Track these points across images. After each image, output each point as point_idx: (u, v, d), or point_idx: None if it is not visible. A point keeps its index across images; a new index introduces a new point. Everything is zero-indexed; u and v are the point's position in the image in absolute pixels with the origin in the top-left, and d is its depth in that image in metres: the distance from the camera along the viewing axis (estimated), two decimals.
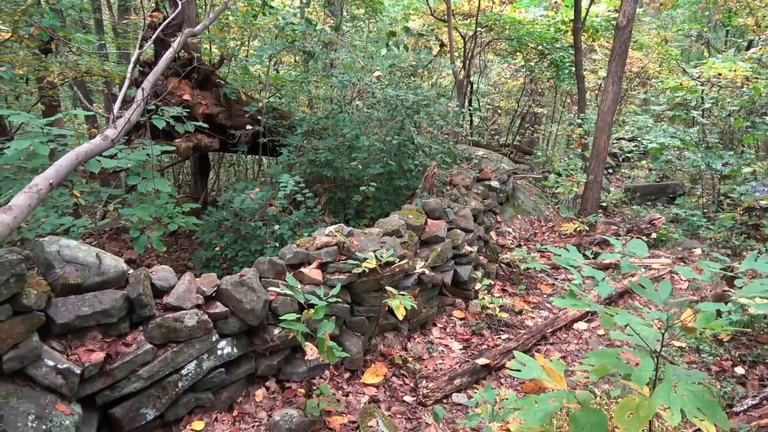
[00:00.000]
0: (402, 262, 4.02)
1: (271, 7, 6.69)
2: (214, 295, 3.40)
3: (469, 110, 8.17)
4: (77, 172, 4.86)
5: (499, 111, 14.88)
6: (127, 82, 3.87)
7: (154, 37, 4.31)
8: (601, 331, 4.65)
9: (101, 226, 4.94)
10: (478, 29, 11.55)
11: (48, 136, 4.15)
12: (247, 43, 8.28)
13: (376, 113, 5.58)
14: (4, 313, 2.56)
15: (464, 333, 4.62)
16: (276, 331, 3.54)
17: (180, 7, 4.83)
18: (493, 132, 14.57)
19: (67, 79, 8.23)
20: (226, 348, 3.34)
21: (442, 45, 12.54)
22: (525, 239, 6.62)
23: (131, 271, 3.19)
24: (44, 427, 2.50)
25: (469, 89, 12.06)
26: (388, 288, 3.72)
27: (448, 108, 5.72)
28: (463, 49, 11.96)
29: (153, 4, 7.49)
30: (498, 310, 4.71)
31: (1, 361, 2.55)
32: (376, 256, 3.92)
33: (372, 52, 6.17)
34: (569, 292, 2.58)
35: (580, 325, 4.77)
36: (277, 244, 5.38)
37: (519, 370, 2.47)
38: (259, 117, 6.51)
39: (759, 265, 2.31)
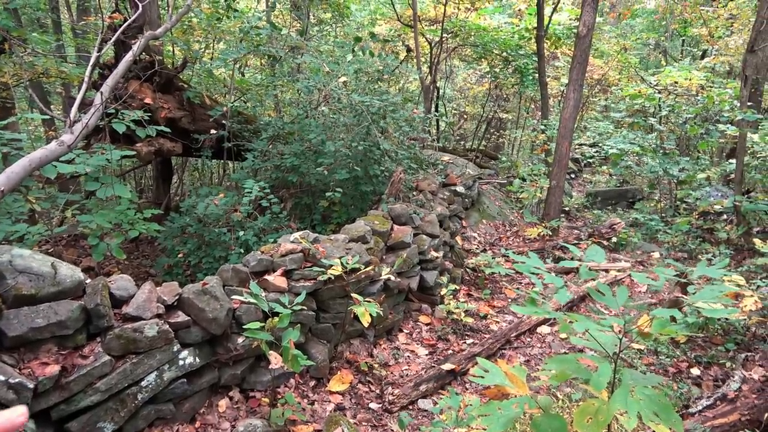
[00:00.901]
0: (368, 269, 4.02)
1: (236, 11, 6.62)
2: (175, 304, 3.33)
3: (435, 115, 8.23)
4: (33, 177, 4.70)
5: (465, 116, 15.06)
6: (85, 85, 3.77)
7: (113, 39, 4.21)
8: (563, 335, 4.74)
9: (58, 233, 4.79)
10: (444, 35, 11.69)
11: (0, 140, 4.02)
12: (211, 46, 8.16)
13: (342, 118, 5.57)
14: None
15: (430, 338, 4.65)
16: (240, 340, 3.48)
17: (140, 8, 4.73)
18: (458, 137, 14.73)
19: (21, 81, 7.97)
20: (188, 358, 3.27)
21: (408, 50, 12.64)
22: (490, 244, 6.71)
23: (89, 280, 3.10)
24: None
25: (435, 94, 12.17)
26: (354, 295, 3.72)
27: (414, 113, 5.76)
28: (429, 55, 12.07)
29: (113, 5, 7.32)
30: (463, 314, 4.76)
31: None
32: (341, 263, 3.92)
33: (338, 57, 6.16)
34: (529, 299, 2.63)
35: (544, 329, 4.86)
36: (242, 251, 5.31)
37: (482, 377, 2.50)
38: (223, 121, 6.42)
39: (710, 272, 2.40)
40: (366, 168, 5.65)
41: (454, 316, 4.79)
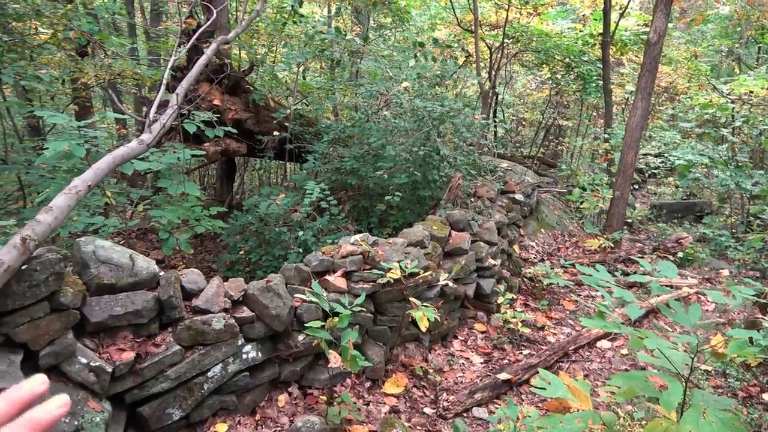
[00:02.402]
0: (426, 274, 4.03)
1: (301, 16, 6.78)
2: (241, 299, 3.45)
3: (494, 122, 8.15)
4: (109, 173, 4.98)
5: (524, 122, 14.82)
6: (162, 87, 3.97)
7: (190, 43, 4.41)
8: (624, 351, 4.60)
9: (131, 227, 5.05)
10: (505, 41, 11.56)
11: (84, 138, 4.27)
12: (275, 49, 8.39)
13: (403, 123, 5.61)
14: (42, 310, 2.65)
15: (485, 347, 4.61)
16: (300, 338, 3.57)
17: (215, 14, 4.93)
18: (516, 143, 14.51)
19: (100, 81, 8.46)
20: (251, 352, 3.38)
21: (468, 55, 12.57)
22: (548, 254, 6.58)
23: (162, 273, 3.26)
24: (76, 422, 2.56)
25: (494, 100, 12.05)
26: (412, 299, 3.74)
27: (474, 119, 5.73)
28: (489, 60, 11.96)
29: (186, 10, 7.66)
30: (520, 324, 4.69)
31: (38, 356, 2.63)
32: (400, 267, 3.94)
33: (399, 61, 6.21)
34: (598, 313, 2.57)
35: (604, 344, 4.72)
36: (300, 250, 5.43)
37: (544, 388, 2.47)
38: (286, 123, 6.60)
39: None
40: (425, 173, 5.66)
41: (511, 326, 4.72)
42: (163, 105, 6.55)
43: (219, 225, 5.17)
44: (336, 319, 3.43)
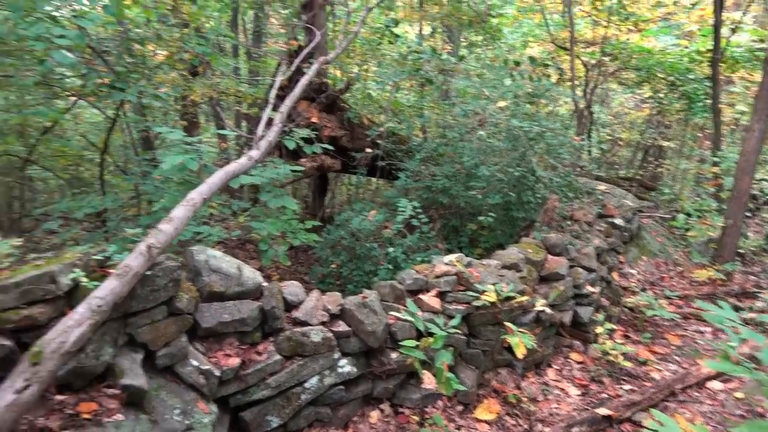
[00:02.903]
0: (522, 298, 3.91)
1: (396, 36, 6.90)
2: (337, 313, 3.51)
3: (591, 142, 7.84)
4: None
5: (621, 143, 14.14)
6: (270, 106, 4.17)
7: (296, 64, 4.61)
8: (739, 394, 4.20)
9: (237, 237, 5.31)
10: (603, 58, 11.14)
11: (197, 153, 4.57)
12: (368, 68, 8.59)
13: (498, 143, 5.53)
14: (161, 314, 2.83)
15: (582, 378, 4.38)
16: (393, 355, 3.57)
17: (318, 36, 5.13)
18: (612, 165, 13.86)
19: (206, 99, 9.04)
20: (346, 366, 3.42)
21: (561, 73, 12.23)
22: (650, 283, 6.19)
23: (265, 284, 3.39)
24: (187, 421, 2.70)
25: (589, 119, 11.61)
26: (508, 324, 3.63)
27: (573, 140, 5.54)
28: (584, 78, 11.57)
29: (288, 31, 8.05)
30: (621, 357, 4.42)
31: (156, 356, 2.81)
32: (495, 290, 3.86)
33: (492, 80, 6.15)
34: (723, 355, 2.37)
35: (715, 385, 4.34)
36: (390, 267, 5.47)
37: (656, 430, 2.30)
38: (378, 141, 6.71)
39: None
40: (519, 194, 5.54)
41: (610, 358, 4.47)
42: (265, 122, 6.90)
43: (313, 238, 5.32)
44: (430, 339, 3.41)
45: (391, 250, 5.52)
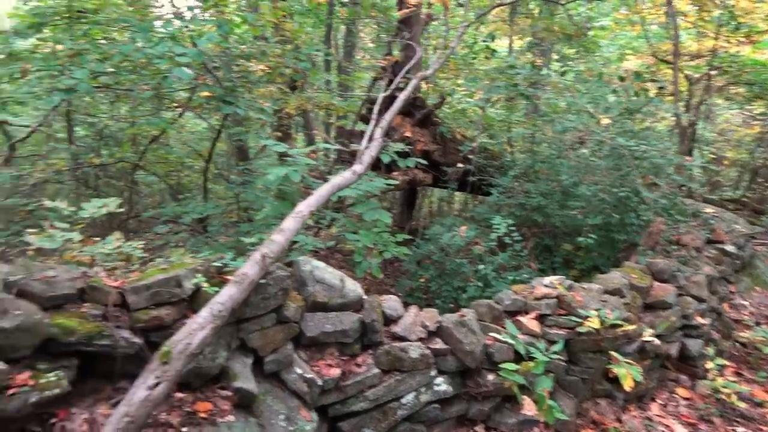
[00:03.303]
0: (629, 327, 3.70)
1: (493, 51, 6.84)
2: (434, 330, 3.49)
3: (698, 161, 7.35)
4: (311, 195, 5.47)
5: (726, 162, 13.17)
6: (373, 122, 4.25)
7: (399, 79, 4.68)
8: None
9: (329, 247, 5.45)
10: (710, 71, 10.44)
11: (300, 165, 4.73)
12: (460, 83, 8.56)
13: (599, 161, 5.31)
14: (270, 321, 2.94)
15: (689, 416, 4.08)
16: (490, 377, 3.50)
17: (420, 53, 5.18)
18: (716, 186, 12.92)
19: (301, 112, 9.38)
20: (442, 385, 3.39)
21: (660, 87, 11.60)
22: (765, 317, 5.67)
23: (365, 296, 3.43)
24: (291, 428, 2.77)
25: (692, 136, 10.91)
26: (613, 353, 3.46)
27: (685, 160, 5.22)
28: (687, 93, 10.91)
29: (374, 46, 8.20)
30: (734, 397, 4.07)
31: (264, 362, 2.91)
32: (599, 316, 3.68)
33: (596, 96, 5.92)
34: None
35: None
36: (480, 284, 5.38)
37: None
38: (469, 156, 6.66)
39: None
40: (621, 215, 5.29)
41: (721, 396, 4.13)
42: (357, 135, 7.04)
43: (404, 251, 5.34)
44: (531, 363, 3.31)
45: (481, 267, 5.43)
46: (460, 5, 6.17)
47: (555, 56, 13.23)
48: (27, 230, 3.22)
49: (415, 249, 6.13)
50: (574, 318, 3.66)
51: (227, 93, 5.36)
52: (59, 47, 5.92)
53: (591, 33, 11.88)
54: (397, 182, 5.45)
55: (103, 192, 8.91)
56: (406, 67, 5.01)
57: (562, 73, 6.46)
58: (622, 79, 5.85)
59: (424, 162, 5.73)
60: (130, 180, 9.26)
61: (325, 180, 5.79)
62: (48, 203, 3.57)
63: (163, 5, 6.46)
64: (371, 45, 14.23)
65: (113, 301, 2.48)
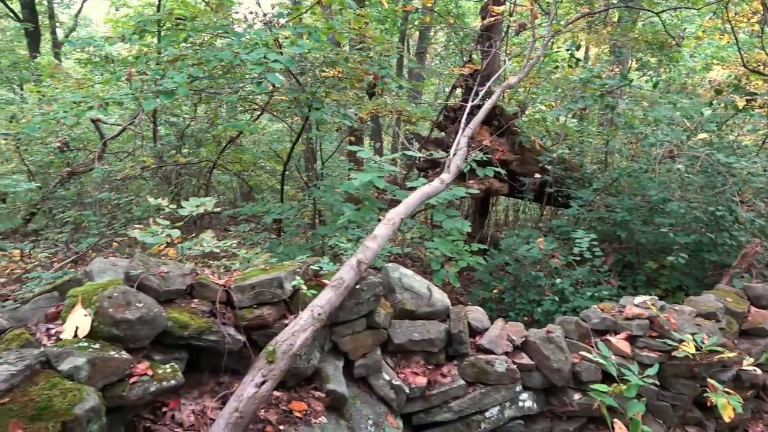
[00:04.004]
0: (729, 354, 3.50)
1: (577, 60, 6.67)
2: (520, 345, 3.43)
3: None
4: (384, 200, 5.53)
5: None
6: (461, 132, 4.25)
7: (487, 87, 4.65)
8: None
9: (405, 254, 5.47)
10: None
11: (383, 172, 4.78)
12: (539, 92, 8.40)
13: (694, 178, 5.06)
14: (361, 326, 2.98)
15: None
16: (576, 396, 3.41)
17: (508, 63, 5.13)
18: None
19: (373, 117, 9.49)
20: (527, 401, 3.33)
21: (748, 100, 10.94)
22: None
23: (452, 306, 3.42)
24: None
25: None
26: (712, 381, 3.28)
27: None
28: None
29: (461, 54, 8.17)
30: None
31: (353, 366, 2.96)
32: (694, 340, 3.51)
33: (688, 109, 5.66)
34: None
35: None
36: (556, 298, 5.25)
37: None
38: (547, 167, 6.52)
39: None
40: (714, 235, 5.02)
41: None
42: (430, 141, 7.04)
43: (479, 261, 5.29)
44: (622, 385, 3.19)
45: (558, 281, 5.30)
46: (546, 13, 6.05)
47: (634, 65, 12.75)
48: (131, 225, 3.42)
49: (489, 259, 6.05)
50: (668, 341, 3.51)
51: (312, 98, 5.49)
52: (141, 50, 6.27)
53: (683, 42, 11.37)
54: (476, 191, 5.41)
55: (184, 189, 9.35)
56: (495, 77, 4.96)
57: (655, 84, 6.20)
58: (719, 92, 5.55)
59: (503, 171, 5.66)
60: (207, 178, 9.67)
61: (401, 186, 5.85)
62: (152, 200, 3.78)
63: (247, 16, 6.69)
64: (442, 51, 14.23)
65: (220, 298, 2.59)
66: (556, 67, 6.92)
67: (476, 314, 3.47)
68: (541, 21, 5.63)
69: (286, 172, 9.61)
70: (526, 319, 5.46)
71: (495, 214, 12.54)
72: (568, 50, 6.45)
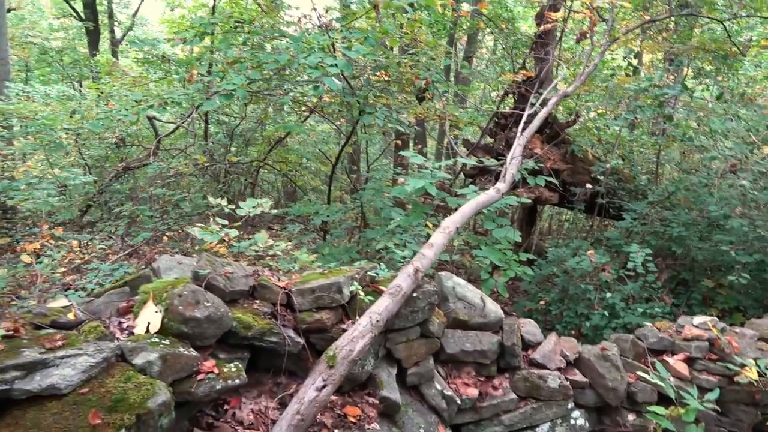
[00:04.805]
0: None
1: (635, 68, 6.50)
2: (573, 361, 3.37)
3: None
4: (431, 206, 5.51)
5: None
6: (517, 141, 4.21)
7: (544, 96, 4.58)
8: None
9: (452, 262, 5.45)
10: None
11: (435, 178, 4.78)
12: (592, 100, 8.22)
13: (757, 194, 4.86)
14: (415, 334, 2.99)
15: None
16: (630, 417, 3.33)
17: (565, 70, 5.05)
18: None
19: (420, 121, 9.50)
20: (579, 419, 3.28)
21: None
22: None
23: (505, 318, 3.39)
24: None
25: None
26: None
27: None
28: None
29: (514, 62, 8.08)
30: None
31: (406, 374, 2.97)
32: (757, 366, 3.37)
33: (752, 122, 5.42)
34: None
35: None
36: (606, 313, 5.13)
37: None
38: (600, 177, 6.37)
39: None
40: None
41: None
42: (480, 147, 6.99)
43: (527, 271, 5.21)
44: (681, 409, 3.09)
45: (608, 295, 5.18)
46: (604, 20, 5.91)
47: (690, 73, 12.34)
48: (194, 224, 3.51)
49: (537, 270, 5.96)
50: (729, 365, 3.38)
51: (365, 102, 5.53)
52: (194, 51, 6.45)
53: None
54: (527, 200, 5.35)
55: (232, 188, 9.55)
56: (552, 85, 4.89)
57: (719, 96, 5.98)
58: None
59: (555, 181, 5.57)
60: (254, 177, 9.86)
61: (450, 192, 5.83)
62: (212, 200, 3.88)
63: (301, 19, 6.80)
64: (491, 56, 14.08)
65: (281, 300, 2.64)
66: (612, 75, 6.75)
67: (529, 327, 3.43)
68: (598, 28, 5.51)
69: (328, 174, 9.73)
70: (573, 332, 5.35)
71: (539, 222, 12.36)
72: (625, 58, 6.30)
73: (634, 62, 6.41)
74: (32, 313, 2.24)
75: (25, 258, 4.51)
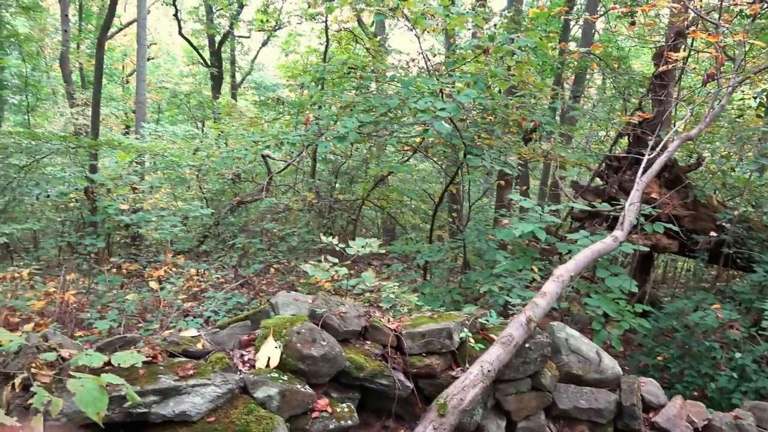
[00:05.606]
0: None
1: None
2: (701, 429, 3.07)
3: None
4: (537, 249, 5.34)
5: None
6: (637, 186, 4.00)
7: (665, 140, 4.34)
8: None
9: (561, 309, 5.22)
10: None
11: (545, 223, 4.65)
12: (713, 142, 7.65)
13: None
14: (526, 386, 2.88)
15: None
16: None
17: (689, 113, 4.76)
18: None
19: (521, 161, 9.32)
20: None
21: None
22: None
23: (623, 376, 3.18)
24: None
25: None
26: None
27: None
28: None
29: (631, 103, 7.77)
30: None
31: (515, 427, 2.86)
32: None
33: None
34: None
35: None
36: (734, 375, 4.64)
37: None
38: (726, 225, 5.86)
39: None
40: None
41: None
42: (591, 191, 6.71)
43: (642, 323, 4.86)
44: None
45: (738, 355, 4.69)
46: (731, 59, 5.54)
47: None
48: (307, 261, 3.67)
49: (654, 322, 5.55)
50: None
51: (472, 144, 5.56)
52: (316, 95, 6.82)
53: None
54: (645, 248, 5.03)
55: (336, 223, 9.88)
56: (674, 128, 4.62)
57: None
58: None
59: (675, 228, 5.20)
60: (357, 214, 10.15)
61: (558, 237, 5.64)
62: (324, 239, 4.04)
63: (409, 64, 7.04)
64: (600, 96, 13.62)
65: (391, 342, 2.67)
66: (740, 115, 6.26)
67: (650, 387, 3.19)
68: (725, 67, 5.16)
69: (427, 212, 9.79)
70: (695, 393, 4.89)
71: (654, 270, 11.50)
72: (755, 98, 5.83)
73: (765, 101, 5.87)
74: (167, 341, 2.44)
75: (153, 284, 4.93)
